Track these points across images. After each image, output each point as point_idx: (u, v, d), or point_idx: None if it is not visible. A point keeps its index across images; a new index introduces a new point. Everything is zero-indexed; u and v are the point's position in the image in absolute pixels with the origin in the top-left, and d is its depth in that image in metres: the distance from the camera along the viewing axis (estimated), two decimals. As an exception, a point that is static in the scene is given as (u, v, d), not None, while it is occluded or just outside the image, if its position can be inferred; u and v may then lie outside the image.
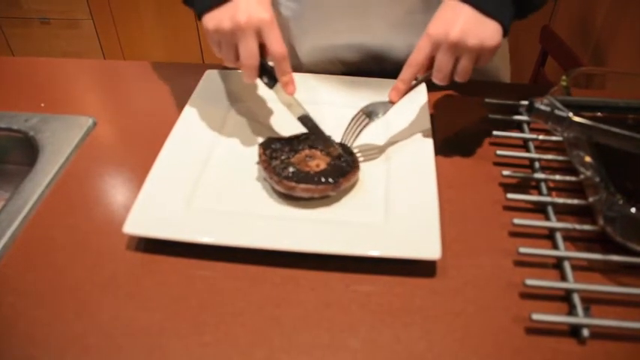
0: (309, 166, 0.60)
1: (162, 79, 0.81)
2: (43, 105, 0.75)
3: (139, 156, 0.64)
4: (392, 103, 0.61)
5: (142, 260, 0.53)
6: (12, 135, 0.70)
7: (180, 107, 0.69)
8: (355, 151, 0.63)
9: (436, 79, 0.58)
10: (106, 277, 0.51)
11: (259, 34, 0.56)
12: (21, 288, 0.50)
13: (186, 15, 2.16)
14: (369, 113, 0.61)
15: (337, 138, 0.63)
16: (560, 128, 0.54)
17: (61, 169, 0.64)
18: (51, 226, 0.57)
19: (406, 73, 0.59)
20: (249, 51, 0.57)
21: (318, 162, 0.61)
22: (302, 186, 0.56)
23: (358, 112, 0.62)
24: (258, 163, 0.61)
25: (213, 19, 0.57)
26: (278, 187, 0.57)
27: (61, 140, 0.67)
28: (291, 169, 0.58)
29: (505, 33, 0.57)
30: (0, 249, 0.54)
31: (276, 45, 0.57)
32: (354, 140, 0.62)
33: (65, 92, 0.79)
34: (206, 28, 0.58)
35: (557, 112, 0.53)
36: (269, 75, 0.61)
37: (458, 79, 0.58)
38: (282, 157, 0.60)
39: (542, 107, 0.53)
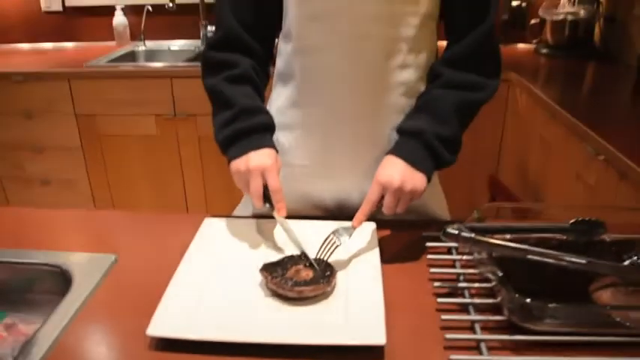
0: (301, 277, 0.79)
1: (162, 229, 1.00)
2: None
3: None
4: (354, 228, 0.85)
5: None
6: (47, 269, 0.87)
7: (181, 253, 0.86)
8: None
9: (385, 211, 0.84)
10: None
11: (264, 175, 0.84)
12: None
13: (173, 177, 2.44)
14: (337, 235, 0.84)
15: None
16: (466, 246, 0.74)
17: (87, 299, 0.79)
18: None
19: (365, 208, 0.85)
20: (255, 187, 0.85)
21: (307, 273, 0.80)
22: (311, 287, 0.75)
23: (329, 235, 0.84)
24: (266, 284, 0.79)
25: (235, 165, 0.87)
26: (290, 294, 0.75)
27: (89, 273, 0.84)
28: (294, 280, 0.77)
29: (428, 180, 0.84)
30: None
31: (274, 183, 0.85)
32: (329, 257, 0.83)
33: (90, 235, 0.97)
34: (231, 170, 0.88)
35: (462, 234, 0.74)
36: (270, 203, 0.87)
37: (399, 211, 0.84)
38: (281, 274, 0.78)
39: (452, 231, 0.74)
